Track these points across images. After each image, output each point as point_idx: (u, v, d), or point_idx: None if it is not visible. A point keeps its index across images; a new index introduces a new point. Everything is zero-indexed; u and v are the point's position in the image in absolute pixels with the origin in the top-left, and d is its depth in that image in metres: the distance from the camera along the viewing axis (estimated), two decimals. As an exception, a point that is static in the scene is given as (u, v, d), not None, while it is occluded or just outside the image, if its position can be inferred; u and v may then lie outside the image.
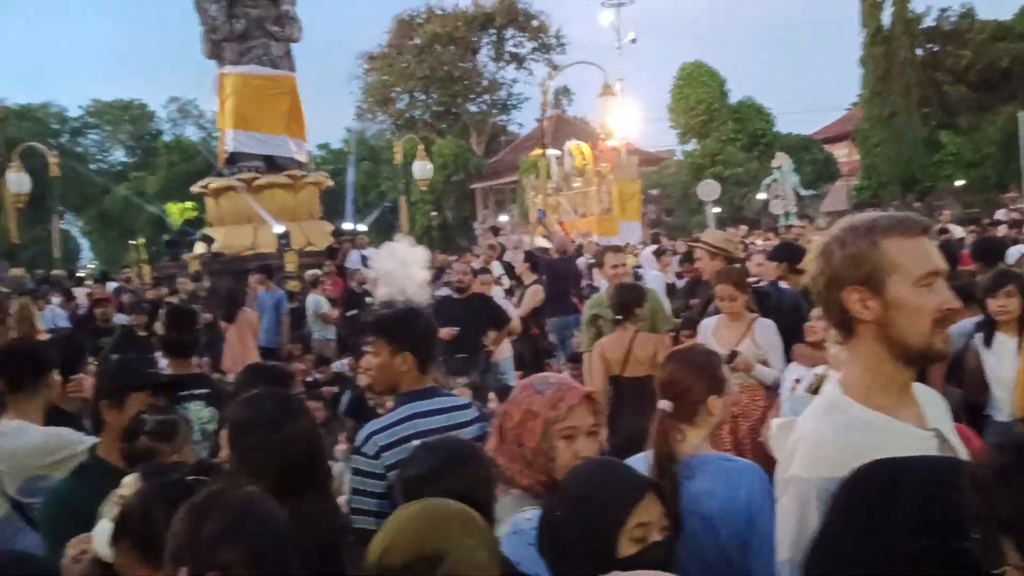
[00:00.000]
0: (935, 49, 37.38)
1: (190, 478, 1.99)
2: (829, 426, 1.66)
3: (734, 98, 39.85)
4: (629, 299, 5.47)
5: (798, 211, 30.00)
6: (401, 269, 7.03)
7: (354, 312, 11.47)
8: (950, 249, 8.52)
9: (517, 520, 2.06)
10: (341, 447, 6.00)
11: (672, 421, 2.43)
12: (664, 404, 2.43)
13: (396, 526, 1.64)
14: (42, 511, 2.74)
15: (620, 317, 5.43)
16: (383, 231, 43.54)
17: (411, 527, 1.61)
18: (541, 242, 13.61)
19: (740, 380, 4.76)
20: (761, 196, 33.64)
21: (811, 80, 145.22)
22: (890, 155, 34.92)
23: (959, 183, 34.23)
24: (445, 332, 7.29)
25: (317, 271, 12.94)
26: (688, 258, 7.87)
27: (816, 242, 1.67)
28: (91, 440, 3.39)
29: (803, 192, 32.33)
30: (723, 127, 38.48)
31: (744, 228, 21.66)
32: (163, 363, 4.45)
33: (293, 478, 2.14)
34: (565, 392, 2.18)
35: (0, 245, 37.46)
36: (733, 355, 4.69)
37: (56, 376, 3.51)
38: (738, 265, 6.01)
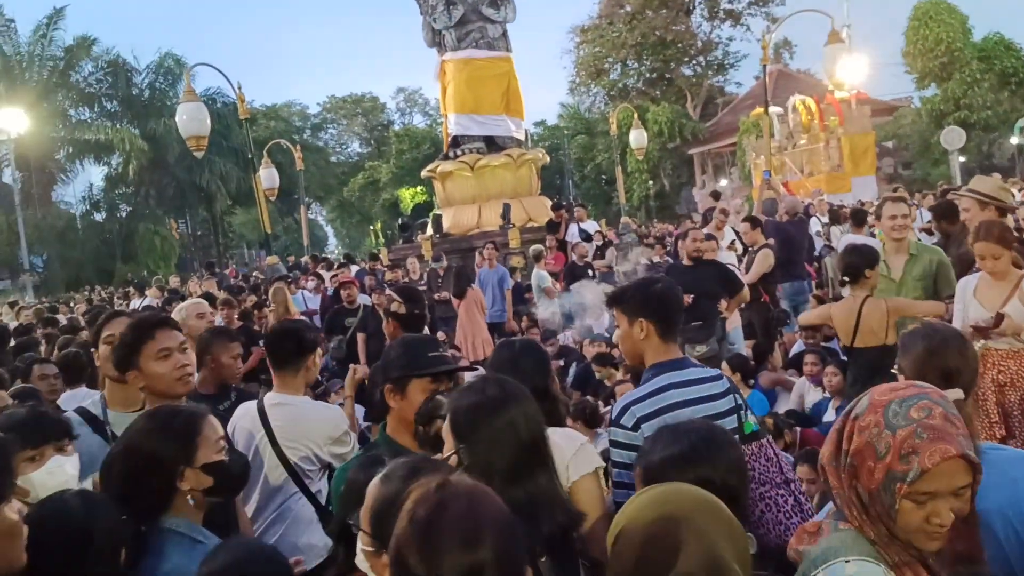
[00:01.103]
0: None
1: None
2: None
3: (978, 35, 36.03)
4: (858, 261, 4.99)
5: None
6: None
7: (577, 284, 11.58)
8: None
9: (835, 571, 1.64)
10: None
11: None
12: (956, 393, 2.17)
13: (632, 513, 1.53)
14: (334, 491, 2.84)
15: (847, 279, 4.97)
16: (600, 203, 43.80)
17: (646, 516, 1.50)
18: (769, 196, 12.97)
19: (1007, 346, 4.35)
20: (1014, 140, 30.34)
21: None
22: None
23: None
24: None
25: (540, 246, 13.21)
26: (945, 212, 7.05)
27: None
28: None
29: (1066, 132, 28.85)
30: (967, 68, 34.91)
31: (997, 176, 19.62)
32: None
33: (524, 461, 2.12)
34: (927, 448, 1.58)
35: (256, 236, 41.37)
36: (1000, 318, 4.27)
37: (318, 357, 3.83)
38: (1008, 214, 5.36)
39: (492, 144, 18.09)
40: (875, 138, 26.32)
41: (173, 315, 4.27)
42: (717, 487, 1.80)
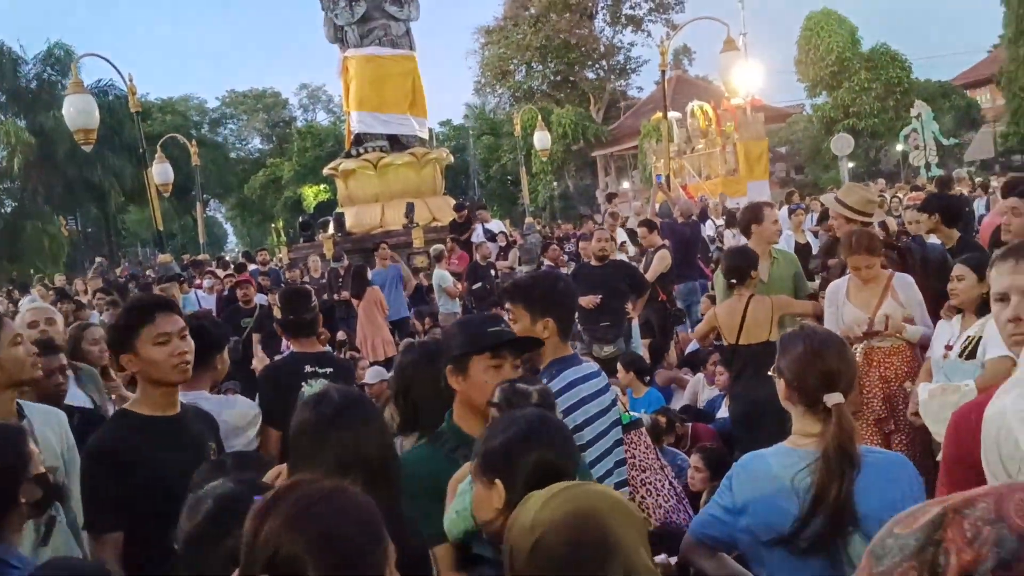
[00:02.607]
0: (1090, -22, 34.19)
1: None
2: None
3: (866, 46, 37.74)
4: (744, 263, 5.19)
5: (939, 161, 28.32)
6: None
7: (479, 285, 11.60)
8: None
9: None
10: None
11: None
12: (836, 397, 2.18)
13: (547, 518, 1.45)
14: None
15: (734, 281, 5.17)
16: (505, 204, 43.96)
17: (564, 519, 1.43)
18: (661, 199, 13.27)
19: (889, 344, 4.53)
20: (899, 148, 31.88)
21: (949, 23, 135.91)
22: (1040, 97, 32.34)
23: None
24: (588, 300, 7.25)
25: (441, 246, 13.16)
26: (825, 216, 7.47)
27: None
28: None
29: (945, 141, 30.44)
30: (855, 77, 36.53)
31: (882, 182, 20.60)
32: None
33: (365, 481, 1.85)
34: None
35: (151, 234, 39.86)
36: (886, 320, 4.47)
37: (225, 355, 3.71)
38: (872, 223, 5.64)
39: (396, 143, 17.94)
40: (769, 144, 27.16)
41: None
42: (557, 467, 1.82)
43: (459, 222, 14.96)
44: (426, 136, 19.36)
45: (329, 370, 4.21)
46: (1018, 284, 2.07)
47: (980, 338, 3.87)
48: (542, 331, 2.88)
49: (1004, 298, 2.10)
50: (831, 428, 2.12)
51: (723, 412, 6.35)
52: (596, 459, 2.90)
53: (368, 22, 17.82)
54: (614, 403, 3.02)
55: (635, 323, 8.52)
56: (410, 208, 16.02)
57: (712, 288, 10.35)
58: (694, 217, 11.84)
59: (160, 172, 21.44)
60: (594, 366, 3.09)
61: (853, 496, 2.08)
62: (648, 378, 6.88)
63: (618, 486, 2.97)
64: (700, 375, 7.42)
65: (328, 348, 6.67)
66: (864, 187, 6.72)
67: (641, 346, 8.41)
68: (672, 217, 11.42)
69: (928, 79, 39.08)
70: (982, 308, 3.75)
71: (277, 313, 4.58)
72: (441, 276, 11.76)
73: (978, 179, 20.25)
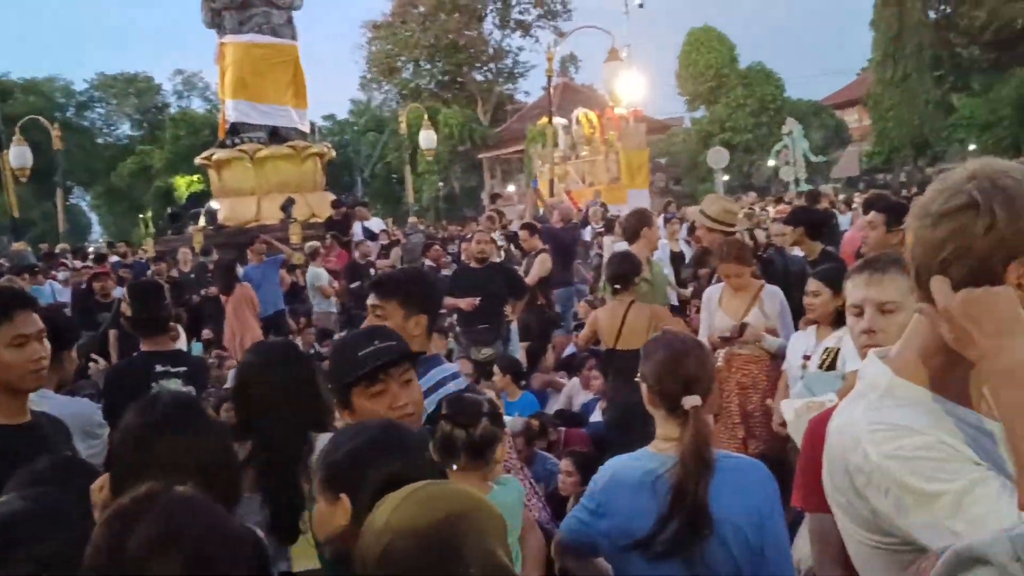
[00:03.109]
0: (947, 10, 36.75)
1: None
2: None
3: (743, 63, 39.32)
4: (629, 269, 5.30)
5: (808, 177, 29.70)
6: None
7: (358, 284, 11.32)
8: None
9: None
10: (341, 421, 5.90)
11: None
12: (694, 399, 2.22)
13: (399, 521, 1.38)
14: None
15: (618, 287, 5.27)
16: (390, 202, 43.49)
17: (420, 522, 1.36)
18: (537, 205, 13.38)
19: (749, 351, 4.64)
20: (771, 163, 33.26)
21: (821, 44, 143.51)
22: (902, 119, 34.48)
23: (972, 147, 33.73)
24: (467, 302, 7.16)
25: (316, 243, 12.76)
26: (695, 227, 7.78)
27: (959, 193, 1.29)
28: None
29: (813, 158, 31.95)
30: (732, 93, 38.02)
31: (753, 195, 21.42)
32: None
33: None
34: None
35: (3, 220, 37.37)
36: (743, 327, 4.58)
37: (74, 353, 3.46)
38: (741, 234, 5.85)
39: (275, 135, 17.39)
40: (649, 154, 27.83)
41: None
42: (408, 478, 1.62)
43: (336, 219, 14.58)
44: (307, 129, 18.89)
45: (183, 368, 4.04)
46: (872, 297, 2.17)
47: (839, 350, 3.99)
48: (413, 328, 2.76)
49: (859, 310, 2.18)
50: (688, 431, 2.15)
51: (597, 416, 6.39)
52: None
53: (248, 8, 17.25)
54: None
55: (514, 326, 8.50)
56: (288, 203, 15.53)
57: (590, 293, 10.50)
58: (574, 222, 11.94)
59: (17, 155, 20.06)
60: (455, 366, 3.05)
61: (708, 500, 2.10)
62: (524, 382, 6.86)
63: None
64: (575, 379, 7.44)
65: (180, 347, 6.35)
66: (726, 199, 7.00)
67: (519, 349, 8.39)
68: (550, 222, 11.49)
69: (800, 98, 41.08)
70: (837, 320, 3.87)
71: (126, 309, 4.27)
72: (316, 274, 11.41)
73: (842, 196, 21.32)
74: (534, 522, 2.31)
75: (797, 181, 29.30)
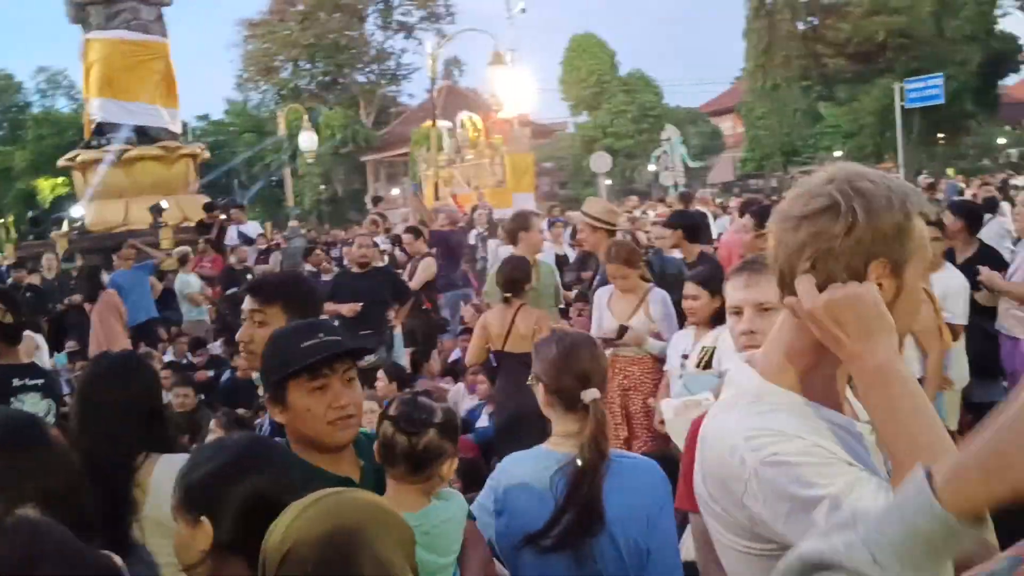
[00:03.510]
0: (815, 23, 38.58)
1: None
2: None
3: (624, 71, 40.25)
4: (520, 275, 5.31)
5: (687, 182, 30.61)
6: None
7: (234, 291, 10.89)
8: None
9: None
10: (214, 434, 5.66)
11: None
12: (593, 393, 2.20)
13: (298, 531, 1.34)
14: None
15: (508, 295, 5.26)
16: (270, 206, 42.31)
17: (317, 531, 1.33)
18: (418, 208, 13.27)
19: (632, 353, 4.68)
20: (651, 168, 34.14)
21: (699, 54, 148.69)
22: (772, 127, 36.03)
23: (838, 153, 35.58)
24: (349, 308, 7.05)
25: (186, 248, 12.18)
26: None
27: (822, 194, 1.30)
28: None
29: (691, 164, 32.97)
30: (613, 100, 38.85)
31: (635, 199, 21.89)
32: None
33: (53, 510, 1.68)
34: None
35: None
36: (624, 329, 4.61)
37: None
38: (627, 238, 5.95)
39: (144, 135, 16.59)
40: (535, 158, 28.09)
41: None
42: (274, 496, 1.54)
43: (206, 223, 13.96)
44: (178, 129, 18.12)
45: (40, 381, 3.86)
46: (750, 298, 2.23)
47: (715, 348, 4.04)
48: None
49: (738, 311, 2.22)
50: (589, 424, 2.17)
51: (483, 421, 6.35)
52: None
53: (115, 3, 16.42)
54: None
55: (398, 332, 8.36)
56: (158, 206, 14.79)
57: (476, 297, 10.46)
58: (461, 224, 11.88)
59: None
60: None
61: (602, 496, 2.11)
62: (408, 389, 6.74)
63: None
64: (460, 385, 7.39)
65: (43, 358, 5.94)
66: (605, 201, 7.13)
67: (404, 355, 8.26)
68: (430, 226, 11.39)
69: (678, 105, 42.37)
70: (715, 319, 3.94)
71: None
72: (185, 282, 10.90)
73: (719, 200, 22.06)
74: (481, 538, 2.18)
75: (676, 186, 30.14)
